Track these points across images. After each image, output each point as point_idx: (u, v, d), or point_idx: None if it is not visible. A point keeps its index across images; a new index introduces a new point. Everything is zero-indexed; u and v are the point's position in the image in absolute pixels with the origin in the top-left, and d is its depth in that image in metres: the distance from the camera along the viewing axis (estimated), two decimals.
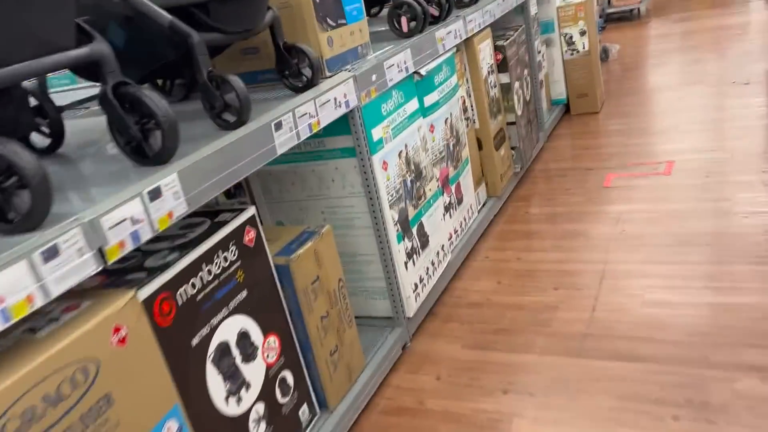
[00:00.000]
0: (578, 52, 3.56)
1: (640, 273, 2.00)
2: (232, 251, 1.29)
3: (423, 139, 2.02)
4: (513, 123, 2.78)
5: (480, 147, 2.55)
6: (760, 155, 2.60)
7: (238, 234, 1.30)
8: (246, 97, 1.26)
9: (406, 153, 1.90)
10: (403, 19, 2.05)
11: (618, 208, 2.46)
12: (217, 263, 1.25)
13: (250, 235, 1.34)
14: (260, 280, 1.37)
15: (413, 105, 1.96)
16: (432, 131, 2.09)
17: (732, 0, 6.15)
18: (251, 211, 1.35)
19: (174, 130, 1.11)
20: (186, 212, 1.13)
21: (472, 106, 2.49)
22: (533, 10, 3.20)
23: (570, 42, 3.55)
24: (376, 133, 1.74)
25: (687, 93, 3.63)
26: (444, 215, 2.16)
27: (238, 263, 1.31)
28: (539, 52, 3.33)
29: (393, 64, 1.82)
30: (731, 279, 1.87)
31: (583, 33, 3.51)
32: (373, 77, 1.71)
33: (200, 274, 1.21)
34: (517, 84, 2.78)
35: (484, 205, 2.57)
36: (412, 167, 1.93)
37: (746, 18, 5.22)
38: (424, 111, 2.04)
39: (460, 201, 2.31)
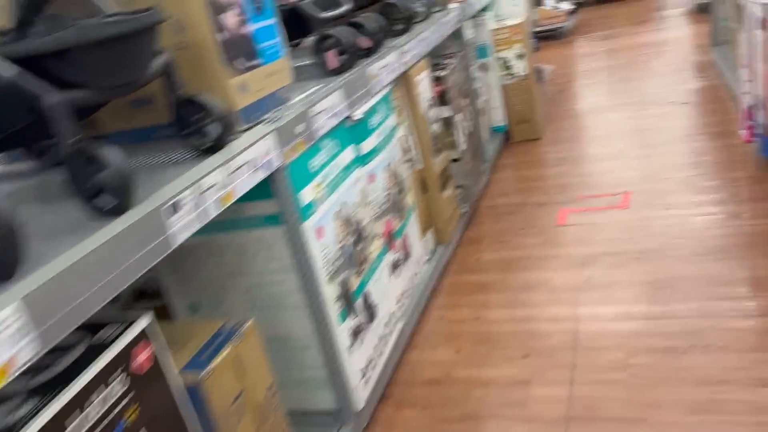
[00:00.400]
0: (516, 76, 3.37)
1: (616, 333, 1.76)
2: (116, 384, 0.94)
3: (362, 193, 1.72)
4: (457, 159, 2.53)
5: (425, 190, 2.29)
6: (711, 178, 2.46)
7: (122, 359, 0.96)
8: (124, 176, 0.92)
9: (345, 212, 1.59)
10: (330, 54, 1.76)
11: (579, 250, 2.24)
12: (94, 407, 0.91)
13: (141, 357, 0.99)
14: (161, 413, 1.02)
15: (348, 155, 1.67)
16: (372, 181, 1.80)
17: (650, 17, 6.22)
18: (143, 322, 1.00)
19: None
20: (39, 353, 0.78)
21: (413, 146, 2.22)
22: (468, 35, 2.98)
23: (507, 66, 3.36)
24: (306, 195, 1.43)
25: (627, 114, 3.51)
26: (391, 275, 1.87)
27: (128, 398, 0.96)
28: (476, 79, 3.12)
29: (322, 110, 1.52)
30: (725, 337, 1.65)
31: (520, 56, 3.33)
32: (299, 128, 1.41)
33: (69, 428, 0.86)
34: (459, 116, 2.54)
35: (432, 254, 2.30)
36: (353, 228, 1.63)
37: (667, 35, 5.24)
38: (361, 159, 1.75)
39: (407, 256, 2.02)
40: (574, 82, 4.50)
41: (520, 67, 3.34)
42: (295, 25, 1.85)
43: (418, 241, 2.14)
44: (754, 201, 2.26)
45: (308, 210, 1.42)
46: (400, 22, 2.24)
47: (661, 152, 2.89)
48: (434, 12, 2.62)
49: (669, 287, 1.90)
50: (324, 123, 1.51)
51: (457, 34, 2.87)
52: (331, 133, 1.57)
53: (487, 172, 3.06)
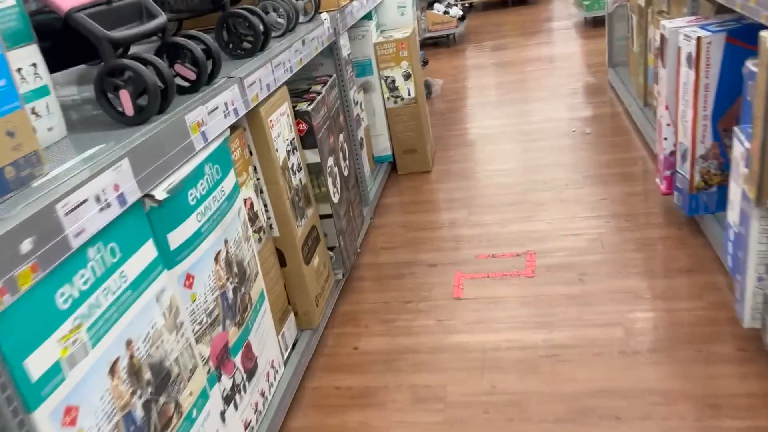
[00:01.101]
0: (402, 99, 2.88)
1: None
2: None
3: (171, 312, 1.13)
4: (329, 215, 1.98)
5: (283, 263, 1.72)
6: (628, 240, 2.10)
7: None
8: None
9: (119, 372, 1.00)
10: (124, 95, 1.15)
11: (479, 339, 1.77)
12: None
13: None
14: None
15: (144, 257, 1.07)
16: (189, 287, 1.21)
17: (540, 28, 6.01)
18: None
19: None
20: None
21: (265, 208, 1.65)
22: (345, 51, 2.44)
23: (392, 87, 2.87)
24: (41, 361, 0.82)
25: (524, 146, 3.13)
26: (224, 412, 1.29)
27: None
28: (357, 103, 2.59)
29: (89, 197, 0.91)
30: None
31: (407, 76, 2.84)
32: (34, 238, 0.80)
33: None
34: (330, 160, 2.00)
35: (293, 347, 1.74)
36: (138, 394, 1.04)
37: (559, 49, 5.00)
38: (169, 259, 1.15)
39: (252, 373, 1.45)
40: (465, 100, 4.10)
41: (407, 89, 2.86)
42: (76, 47, 1.22)
43: (271, 341, 1.57)
44: (684, 273, 1.91)
45: (42, 389, 0.82)
46: (248, 40, 1.66)
47: (566, 197, 2.51)
48: (299, 23, 2.06)
49: (594, 416, 1.47)
50: (92, 220, 0.91)
51: (330, 51, 2.32)
52: (108, 232, 0.97)
53: (368, 216, 2.54)
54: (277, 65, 1.68)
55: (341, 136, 2.20)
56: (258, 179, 1.62)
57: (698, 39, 1.76)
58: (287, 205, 1.67)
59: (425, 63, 4.07)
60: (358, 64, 2.82)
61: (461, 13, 5.97)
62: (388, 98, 2.89)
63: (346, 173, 2.20)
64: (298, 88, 2.07)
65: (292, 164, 1.74)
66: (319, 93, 1.98)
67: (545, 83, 4.10)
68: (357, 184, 2.43)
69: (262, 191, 1.63)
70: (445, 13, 5.78)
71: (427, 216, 2.58)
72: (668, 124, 2.08)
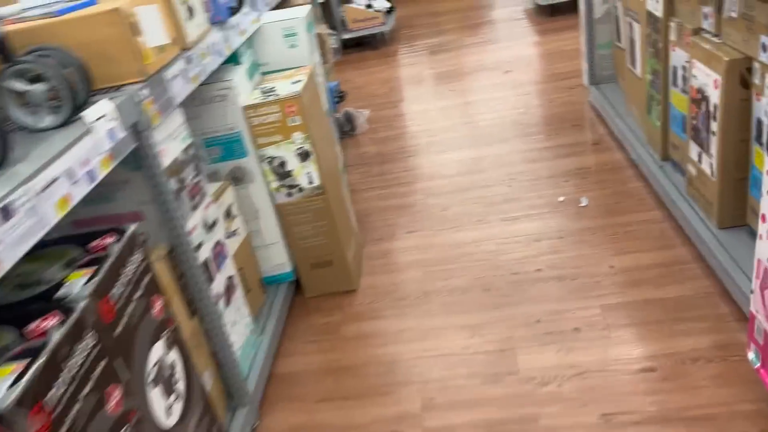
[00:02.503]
0: (301, 190, 1.79)
1: None
2: None
3: None
4: None
5: None
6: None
7: None
8: None
9: None
10: None
11: None
12: None
13: None
14: None
15: None
16: None
17: (482, 19, 4.98)
18: None
19: None
20: None
21: None
22: (169, 156, 1.32)
23: (282, 173, 1.77)
24: None
25: (499, 234, 2.10)
26: None
27: None
28: (210, 226, 1.49)
29: None
30: None
31: (304, 155, 1.75)
32: None
33: None
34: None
35: None
36: None
37: (512, 52, 3.97)
38: None
39: None
40: (402, 138, 3.04)
41: (307, 174, 1.77)
42: None
43: None
44: None
45: None
46: None
47: (583, 359, 1.50)
48: (83, 105, 0.95)
49: None
50: None
51: (132, 157, 1.22)
52: None
53: (251, 408, 1.47)
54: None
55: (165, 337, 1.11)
56: None
57: None
58: None
59: (340, 98, 2.94)
60: (220, 141, 1.71)
61: (388, 5, 4.86)
62: (277, 189, 1.80)
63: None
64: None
65: None
66: (105, 263, 0.88)
67: (503, 108, 3.07)
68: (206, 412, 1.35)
69: None
70: (368, 7, 4.65)
71: (354, 408, 1.53)
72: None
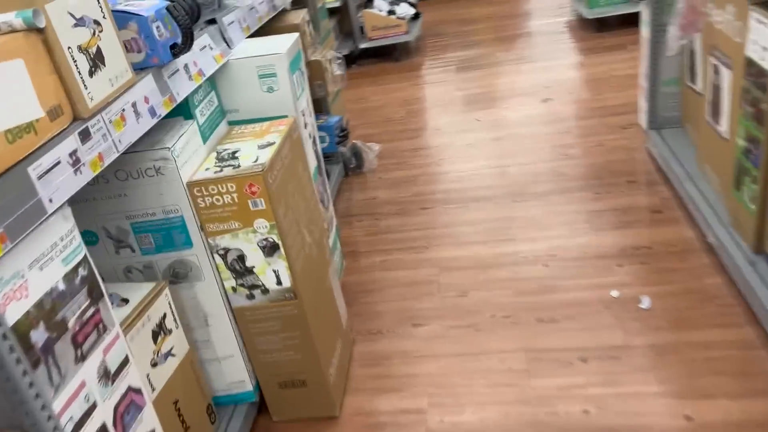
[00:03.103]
0: (266, 292, 1.32)
1: None
2: None
3: None
4: None
5: None
6: None
7: None
8: None
9: None
10: None
11: None
12: None
13: None
14: None
15: None
16: None
17: (518, 30, 4.45)
18: None
19: None
20: None
21: None
22: (58, 273, 0.86)
23: (240, 269, 1.30)
24: None
25: (543, 336, 1.61)
26: None
27: None
28: (112, 373, 1.03)
29: None
30: None
31: (271, 248, 1.28)
32: None
33: None
34: None
35: None
36: None
37: (551, 73, 3.45)
38: None
39: None
40: (417, 185, 2.55)
41: (274, 272, 1.30)
42: None
43: None
44: None
45: None
46: None
47: None
48: None
49: None
50: None
51: None
52: None
53: None
54: None
55: None
56: None
57: None
58: None
59: (344, 136, 2.41)
60: (155, 226, 1.25)
61: (413, 11, 4.35)
62: (234, 289, 1.33)
63: None
64: None
65: None
66: None
67: (539, 150, 2.56)
68: None
69: None
70: (390, 13, 4.16)
71: None
72: None
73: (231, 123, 1.51)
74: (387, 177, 2.60)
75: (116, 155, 1.01)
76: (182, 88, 1.24)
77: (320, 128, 2.15)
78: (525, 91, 3.21)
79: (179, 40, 1.19)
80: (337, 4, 4.09)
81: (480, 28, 4.58)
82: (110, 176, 1.20)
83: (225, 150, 1.32)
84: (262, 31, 1.82)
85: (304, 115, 1.57)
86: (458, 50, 4.16)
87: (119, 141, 1.02)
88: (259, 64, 1.45)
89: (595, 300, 1.67)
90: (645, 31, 2.29)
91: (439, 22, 4.95)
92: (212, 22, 1.49)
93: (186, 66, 1.28)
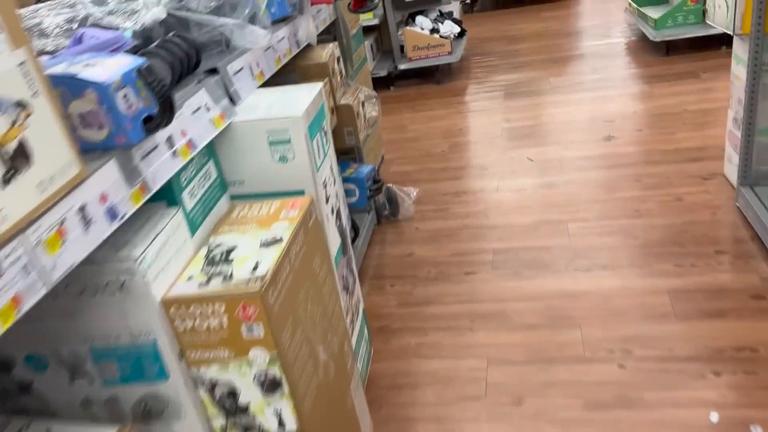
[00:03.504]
0: None
1: None
2: None
3: None
4: None
5: None
6: None
7: None
8: None
9: None
10: None
11: None
12: None
13: None
14: None
15: None
16: None
17: (571, 49, 4.08)
18: None
19: None
20: None
21: None
22: None
23: (231, 406, 0.99)
24: None
25: None
26: None
27: None
28: None
29: None
30: None
31: (271, 385, 0.96)
32: None
33: None
34: None
35: None
36: None
37: (612, 104, 3.07)
38: None
39: None
40: (459, 241, 2.21)
41: (273, 411, 0.99)
42: None
43: None
44: None
45: None
46: None
47: None
48: None
49: None
50: None
51: None
52: None
53: None
54: None
55: None
56: None
57: None
58: None
59: (377, 189, 2.03)
60: (119, 353, 0.94)
61: (458, 29, 4.02)
62: (223, 430, 1.02)
63: None
64: None
65: None
66: None
67: (604, 203, 2.20)
68: None
69: None
70: (434, 31, 3.83)
71: None
72: None
73: (235, 198, 1.21)
74: (425, 228, 2.27)
75: (45, 291, 0.71)
76: (162, 170, 0.94)
77: (349, 180, 1.83)
78: (583, 126, 2.84)
79: (154, 112, 0.89)
80: (375, 22, 3.79)
81: (529, 48, 4.22)
82: (59, 290, 0.91)
83: (218, 246, 1.02)
84: (284, 70, 1.52)
85: (326, 186, 1.25)
86: (505, 72, 3.80)
87: (52, 268, 0.72)
88: (270, 128, 1.14)
89: (688, 424, 1.31)
90: (739, 69, 1.92)
91: (483, 39, 4.61)
92: (214, 71, 1.19)
93: (170, 139, 0.98)
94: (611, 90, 3.20)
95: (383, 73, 3.77)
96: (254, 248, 1.00)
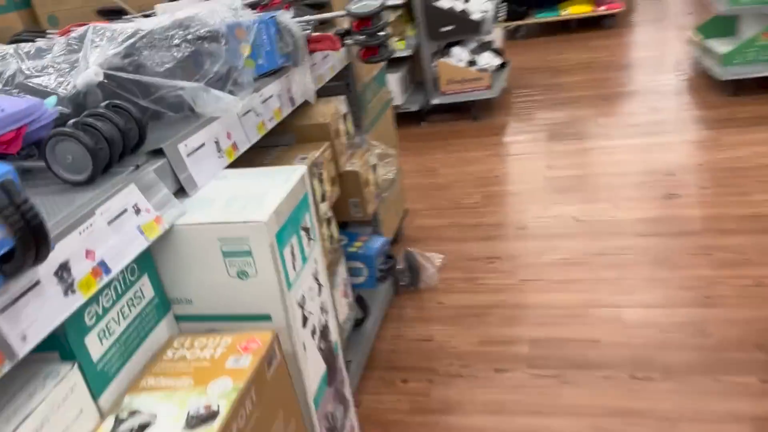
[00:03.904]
0: None
1: None
2: None
3: None
4: None
5: None
6: None
7: None
8: None
9: None
10: None
11: None
12: None
13: None
14: None
15: None
16: None
17: (622, 85, 3.71)
18: None
19: None
20: None
21: None
22: None
23: None
24: None
25: None
26: None
27: None
28: None
29: None
30: None
31: None
32: None
33: None
34: None
35: None
36: None
37: (673, 154, 2.70)
38: None
39: None
40: (488, 324, 1.87)
41: None
42: None
43: None
44: None
45: None
46: None
47: None
48: None
49: None
50: None
51: None
52: None
53: None
54: None
55: None
56: None
57: None
58: None
59: (388, 270, 1.65)
60: None
61: (499, 61, 3.69)
62: None
63: None
64: None
65: None
66: None
67: (667, 281, 1.83)
68: None
69: None
70: (471, 63, 3.51)
71: None
72: None
73: (181, 319, 0.91)
74: (449, 303, 1.94)
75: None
76: (41, 319, 0.65)
77: (356, 257, 1.52)
78: (638, 179, 2.47)
79: (14, 246, 0.59)
80: (408, 53, 3.50)
81: (575, 82, 3.86)
82: None
83: (129, 419, 0.71)
84: (278, 128, 1.23)
85: (303, 306, 0.94)
86: (549, 110, 3.46)
87: None
88: (223, 236, 0.84)
89: None
90: None
91: (526, 70, 4.27)
92: (159, 152, 0.90)
93: (63, 267, 0.68)
94: (670, 135, 2.82)
95: (414, 108, 3.46)
96: (179, 423, 0.69)
